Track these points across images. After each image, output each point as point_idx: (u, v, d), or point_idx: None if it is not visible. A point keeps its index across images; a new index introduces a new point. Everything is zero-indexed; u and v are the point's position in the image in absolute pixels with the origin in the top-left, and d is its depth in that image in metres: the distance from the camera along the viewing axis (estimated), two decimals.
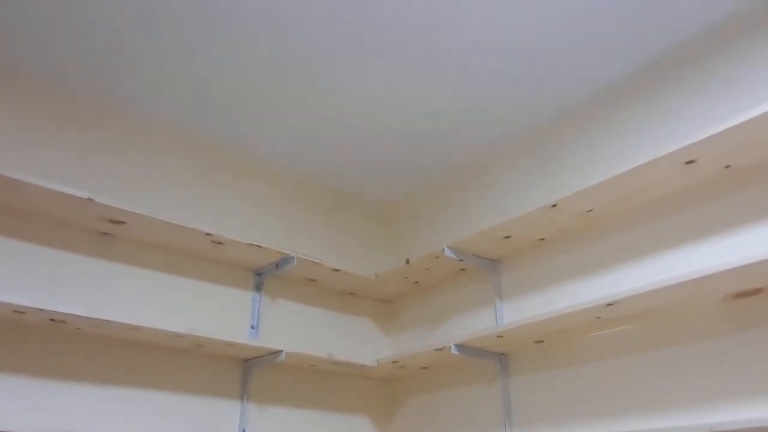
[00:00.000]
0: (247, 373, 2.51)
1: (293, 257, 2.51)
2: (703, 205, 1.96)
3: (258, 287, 2.67)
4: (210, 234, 2.34)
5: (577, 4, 1.96)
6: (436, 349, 2.39)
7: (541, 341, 2.26)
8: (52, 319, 2.02)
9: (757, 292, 1.75)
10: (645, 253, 2.07)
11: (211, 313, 2.52)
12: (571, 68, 2.25)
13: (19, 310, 1.93)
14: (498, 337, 2.21)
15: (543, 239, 2.40)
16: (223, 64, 2.25)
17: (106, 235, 2.35)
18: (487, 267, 2.56)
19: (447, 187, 2.98)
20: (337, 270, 2.65)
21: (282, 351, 2.36)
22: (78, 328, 2.12)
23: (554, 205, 2.12)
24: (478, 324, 2.60)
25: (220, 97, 2.43)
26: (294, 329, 2.73)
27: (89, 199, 2.08)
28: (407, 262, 2.63)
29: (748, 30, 1.98)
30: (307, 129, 2.62)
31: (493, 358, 2.40)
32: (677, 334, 1.91)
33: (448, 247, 2.45)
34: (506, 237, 2.37)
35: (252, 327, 2.60)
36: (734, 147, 1.78)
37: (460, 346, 2.32)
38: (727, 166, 1.88)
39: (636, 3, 1.95)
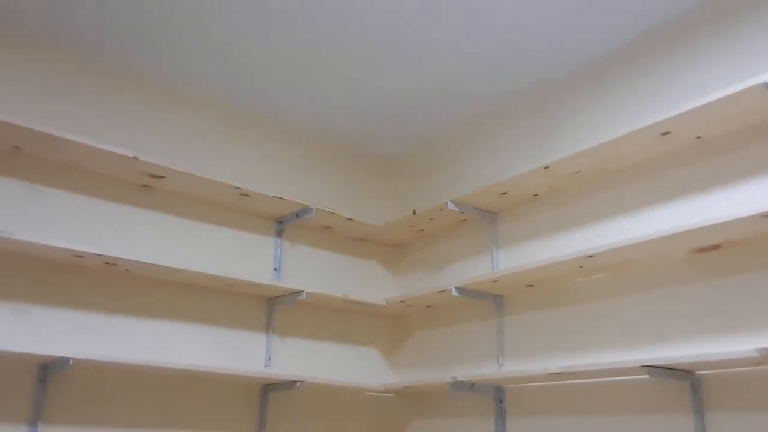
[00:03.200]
0: (271, 309, 2.84)
1: (312, 208, 2.79)
2: (675, 171, 2.22)
3: (279, 234, 2.96)
4: (239, 187, 2.61)
5: None
6: (439, 291, 2.69)
7: (532, 285, 2.57)
8: (106, 263, 2.32)
9: (717, 247, 2.04)
10: (624, 211, 2.35)
11: (239, 256, 2.83)
12: (571, 35, 2.46)
13: (78, 255, 2.23)
14: (494, 281, 2.52)
15: (536, 195, 2.67)
16: (250, 35, 2.46)
17: (147, 188, 2.63)
18: (485, 219, 2.84)
19: (451, 143, 3.23)
20: (351, 219, 2.94)
21: (303, 291, 2.68)
22: (127, 270, 2.43)
23: (546, 167, 2.39)
24: (476, 269, 2.91)
25: (248, 64, 2.65)
26: (312, 271, 3.05)
27: (135, 157, 2.35)
28: (414, 212, 2.91)
29: (719, 15, 2.19)
30: (322, 91, 2.85)
31: (489, 300, 2.71)
32: (649, 282, 2.21)
33: (451, 200, 2.72)
34: (503, 193, 2.64)
35: (275, 269, 2.91)
36: (705, 122, 2.02)
37: (460, 289, 2.63)
38: (699, 137, 2.13)
39: None
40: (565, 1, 2.25)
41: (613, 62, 2.53)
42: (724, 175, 2.09)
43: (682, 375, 1.97)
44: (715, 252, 2.05)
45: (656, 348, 2.14)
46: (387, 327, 3.25)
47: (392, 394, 3.08)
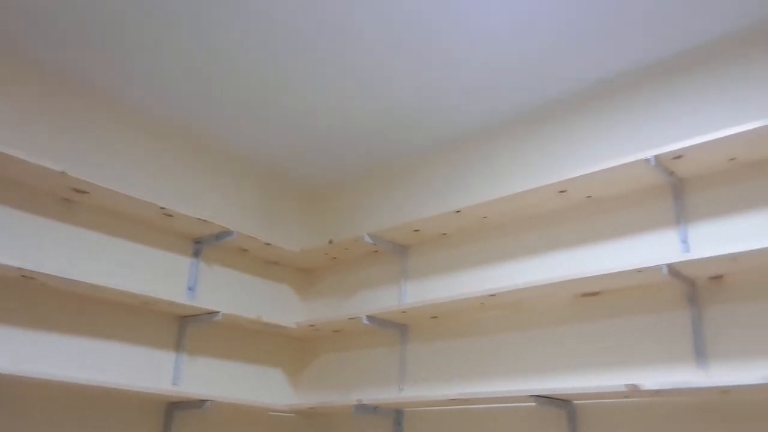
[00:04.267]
0: (182, 328, 2.88)
1: (233, 231, 2.88)
2: (569, 224, 2.55)
3: (196, 254, 3.02)
4: (163, 207, 2.66)
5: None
6: (350, 318, 2.86)
7: (436, 317, 2.80)
8: (24, 276, 2.30)
9: (597, 294, 2.36)
10: (523, 255, 2.65)
11: (155, 274, 2.85)
12: (491, 95, 2.75)
13: None
14: (402, 312, 2.73)
15: (445, 234, 2.92)
16: (179, 49, 2.55)
17: (69, 201, 2.61)
18: (397, 252, 3.05)
19: (372, 179, 3.43)
20: (269, 244, 3.06)
21: (219, 312, 2.75)
22: (44, 284, 2.40)
23: (458, 211, 2.64)
24: (384, 298, 3.11)
25: (181, 85, 2.72)
26: (225, 292, 3.12)
27: (63, 172, 2.35)
28: (330, 242, 3.07)
29: (615, 93, 2.56)
30: (254, 116, 2.96)
31: (395, 328, 2.92)
32: (540, 320, 2.51)
33: (368, 234, 2.91)
34: (416, 230, 2.87)
35: (189, 289, 2.96)
36: (595, 185, 2.35)
37: (370, 317, 2.81)
38: (589, 197, 2.46)
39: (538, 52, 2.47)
40: (489, 66, 2.52)
41: (524, 123, 2.85)
42: (608, 231, 2.43)
43: (562, 404, 2.26)
44: (596, 297, 2.37)
45: (541, 379, 2.43)
46: (294, 349, 3.36)
47: (294, 415, 3.19)
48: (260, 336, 3.22)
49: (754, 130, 1.94)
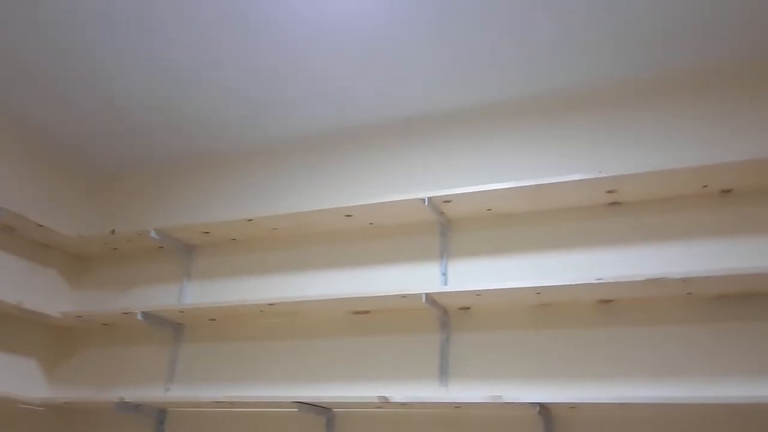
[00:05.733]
0: None
1: (1, 208, 2.65)
2: (353, 246, 2.76)
3: None
4: None
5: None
6: (124, 312, 2.77)
7: (214, 319, 2.84)
8: None
9: (367, 312, 2.60)
10: (307, 269, 2.81)
11: None
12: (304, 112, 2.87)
13: None
14: (180, 311, 2.72)
15: (235, 240, 2.98)
16: None
17: None
18: (183, 251, 3.03)
19: (164, 174, 3.36)
20: (41, 225, 2.85)
21: None
22: None
23: (250, 220, 2.72)
24: (163, 296, 3.06)
25: None
26: None
27: None
28: (112, 232, 2.96)
29: (408, 132, 2.86)
30: (56, 93, 2.76)
31: (171, 327, 2.89)
32: (314, 332, 2.68)
33: (154, 229, 2.86)
34: (206, 232, 2.89)
35: None
36: (377, 214, 2.59)
37: (146, 314, 2.75)
38: (371, 224, 2.70)
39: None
40: (304, 83, 2.65)
41: (329, 143, 3.02)
42: (384, 257, 2.68)
43: (323, 411, 2.44)
44: (366, 316, 2.61)
45: (306, 387, 2.60)
46: (56, 340, 3.15)
47: (46, 410, 2.99)
48: (19, 323, 2.97)
49: (507, 189, 2.31)
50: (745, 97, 2.38)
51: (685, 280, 2.00)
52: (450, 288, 2.27)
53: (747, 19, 2.16)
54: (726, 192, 2.26)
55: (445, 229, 2.61)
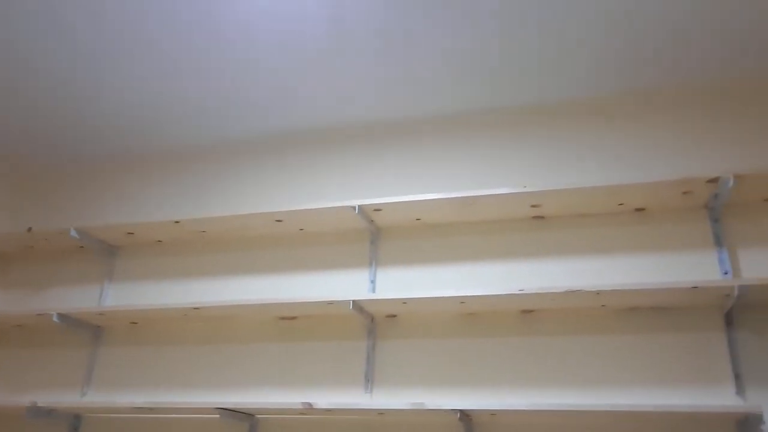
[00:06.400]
0: None
1: None
2: (282, 251, 2.75)
3: None
4: None
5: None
6: (39, 314, 2.66)
7: (136, 323, 2.76)
8: None
9: (294, 318, 2.59)
10: (236, 273, 2.77)
11: None
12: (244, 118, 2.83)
13: None
14: (99, 314, 2.63)
15: (161, 241, 2.91)
16: None
17: None
18: (105, 252, 2.94)
19: (92, 170, 3.24)
20: None
21: None
22: None
23: (177, 222, 2.66)
24: (83, 298, 2.95)
25: None
26: None
27: None
28: (29, 230, 2.83)
29: (346, 140, 2.87)
30: None
31: (89, 330, 2.79)
32: (241, 337, 2.64)
33: (74, 228, 2.76)
34: (129, 233, 2.80)
35: None
36: (308, 219, 2.59)
37: (62, 316, 2.64)
38: (301, 229, 2.70)
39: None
40: (243, 84, 2.62)
41: (255, 148, 3.00)
42: (313, 263, 2.68)
43: (245, 417, 2.41)
44: (293, 321, 2.60)
45: (229, 393, 2.56)
46: None
47: None
48: None
49: (436, 200, 2.36)
50: (661, 120, 2.52)
51: (599, 293, 2.10)
52: (377, 296, 2.29)
53: (659, 48, 2.29)
54: (640, 210, 2.39)
55: (375, 237, 2.64)
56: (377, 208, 2.45)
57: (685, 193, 2.24)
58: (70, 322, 2.68)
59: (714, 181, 2.15)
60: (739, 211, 2.30)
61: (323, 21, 2.21)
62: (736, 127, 2.45)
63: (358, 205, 2.42)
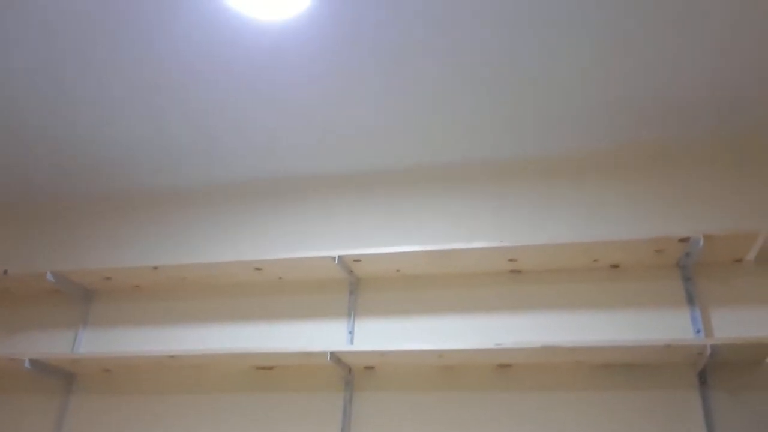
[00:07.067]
0: None
1: None
2: (261, 299, 2.74)
3: None
4: None
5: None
6: (11, 359, 2.61)
7: (110, 370, 2.72)
8: None
9: (271, 368, 2.57)
10: (215, 321, 2.75)
11: None
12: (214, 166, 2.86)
13: None
14: (72, 360, 2.59)
15: (138, 287, 2.89)
16: None
17: None
18: (82, 295, 2.91)
19: (72, 214, 3.23)
20: None
21: None
22: None
23: (156, 267, 2.65)
24: (56, 343, 2.90)
25: None
26: None
27: None
28: (5, 272, 2.80)
29: (323, 193, 2.91)
30: None
31: (62, 376, 2.74)
32: (218, 386, 2.61)
33: (51, 272, 2.73)
34: (107, 278, 2.78)
35: None
36: (288, 268, 2.60)
37: (34, 361, 2.59)
38: (280, 278, 2.70)
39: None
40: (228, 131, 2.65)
41: (235, 195, 3.02)
42: (292, 312, 2.68)
43: None
44: (270, 371, 2.58)
45: None
46: None
47: None
48: None
49: (415, 252, 2.39)
50: (637, 177, 2.60)
51: (572, 349, 2.12)
52: (355, 347, 2.29)
53: (634, 106, 2.37)
54: (615, 267, 2.44)
55: (354, 288, 2.65)
56: (357, 259, 2.47)
57: (657, 251, 2.30)
58: (42, 368, 2.63)
59: (685, 240, 2.21)
60: (711, 270, 2.36)
61: (305, 73, 2.27)
62: (710, 186, 2.53)
63: (338, 256, 2.44)
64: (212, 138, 2.66)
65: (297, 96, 2.38)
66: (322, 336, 2.61)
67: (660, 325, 2.31)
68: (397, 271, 2.57)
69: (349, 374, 2.48)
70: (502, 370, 2.36)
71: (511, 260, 2.43)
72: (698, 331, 2.25)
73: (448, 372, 2.41)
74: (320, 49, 2.13)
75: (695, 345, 2.05)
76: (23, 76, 2.33)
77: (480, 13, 1.96)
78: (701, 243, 2.17)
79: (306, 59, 2.19)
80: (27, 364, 2.57)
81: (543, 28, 2.01)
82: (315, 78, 2.28)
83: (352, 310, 2.61)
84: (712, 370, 2.19)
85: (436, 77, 2.25)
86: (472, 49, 2.11)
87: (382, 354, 2.30)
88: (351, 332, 2.57)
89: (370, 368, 2.48)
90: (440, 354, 2.26)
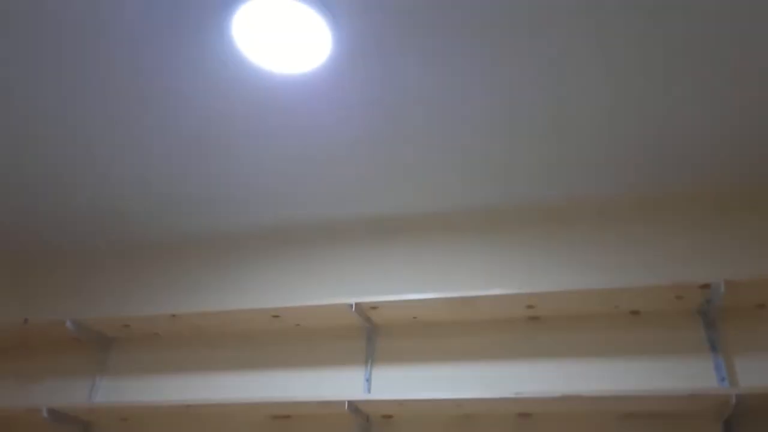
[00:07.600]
0: None
1: None
2: (279, 347, 2.74)
3: None
4: None
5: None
6: (28, 409, 2.61)
7: (126, 419, 2.70)
8: None
9: (288, 417, 2.54)
10: (232, 369, 2.75)
11: None
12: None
13: None
14: (89, 410, 2.58)
15: (157, 334, 2.90)
16: None
17: None
18: (100, 343, 2.92)
19: (85, 263, 3.27)
20: None
21: None
22: None
23: (173, 315, 2.66)
24: (73, 392, 2.90)
25: None
26: None
27: None
28: (25, 321, 2.82)
29: (340, 240, 2.92)
30: None
31: (79, 426, 2.73)
32: None
33: (71, 320, 2.75)
34: (126, 325, 2.80)
35: None
36: (305, 315, 2.60)
37: (52, 411, 2.59)
38: (297, 325, 2.70)
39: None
40: (239, 180, 2.69)
41: (252, 242, 3.05)
42: (310, 359, 2.67)
43: None
44: (287, 420, 2.55)
45: None
46: None
47: None
48: None
49: (432, 299, 2.38)
50: (657, 224, 2.59)
51: (593, 398, 2.08)
52: (373, 396, 2.27)
53: (656, 154, 2.38)
54: (635, 313, 2.41)
55: (371, 335, 2.64)
56: (374, 306, 2.47)
57: (678, 297, 2.27)
58: (59, 417, 2.62)
59: (706, 286, 2.19)
60: (734, 316, 2.32)
61: (320, 123, 2.31)
62: (731, 231, 2.51)
63: (355, 303, 2.44)
64: (229, 186, 2.70)
65: (313, 143, 2.42)
66: (339, 384, 2.59)
67: (682, 373, 2.27)
68: (414, 318, 2.56)
69: (367, 422, 2.45)
70: (523, 420, 2.32)
71: (529, 307, 2.41)
72: (723, 380, 2.20)
73: (467, 421, 2.37)
74: (337, 99, 2.18)
75: (721, 394, 2.01)
76: (41, 126, 2.40)
77: (510, 59, 2.00)
78: (722, 289, 2.14)
79: (323, 110, 2.24)
80: (45, 414, 2.57)
81: (573, 74, 2.04)
82: (330, 130, 2.32)
83: (369, 358, 2.59)
84: (737, 420, 2.14)
85: (454, 122, 2.28)
86: (491, 96, 2.14)
87: (401, 403, 2.27)
88: (368, 380, 2.54)
89: (387, 417, 2.45)
90: (459, 403, 2.23)
